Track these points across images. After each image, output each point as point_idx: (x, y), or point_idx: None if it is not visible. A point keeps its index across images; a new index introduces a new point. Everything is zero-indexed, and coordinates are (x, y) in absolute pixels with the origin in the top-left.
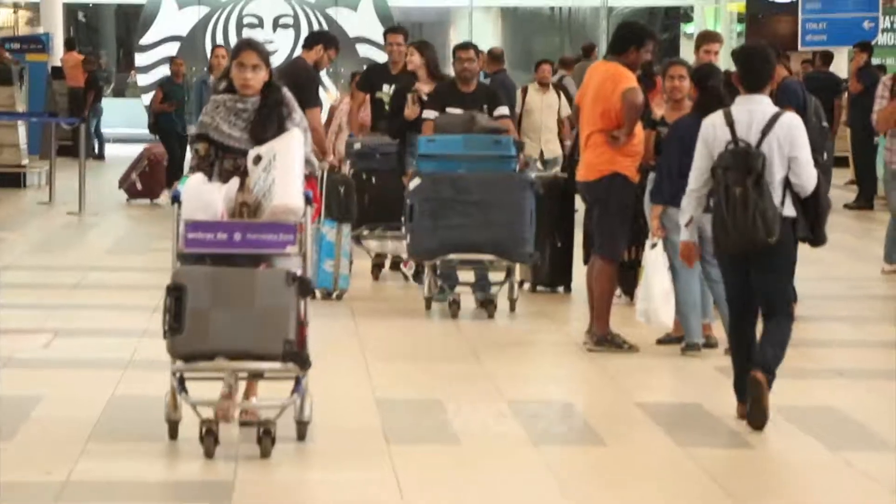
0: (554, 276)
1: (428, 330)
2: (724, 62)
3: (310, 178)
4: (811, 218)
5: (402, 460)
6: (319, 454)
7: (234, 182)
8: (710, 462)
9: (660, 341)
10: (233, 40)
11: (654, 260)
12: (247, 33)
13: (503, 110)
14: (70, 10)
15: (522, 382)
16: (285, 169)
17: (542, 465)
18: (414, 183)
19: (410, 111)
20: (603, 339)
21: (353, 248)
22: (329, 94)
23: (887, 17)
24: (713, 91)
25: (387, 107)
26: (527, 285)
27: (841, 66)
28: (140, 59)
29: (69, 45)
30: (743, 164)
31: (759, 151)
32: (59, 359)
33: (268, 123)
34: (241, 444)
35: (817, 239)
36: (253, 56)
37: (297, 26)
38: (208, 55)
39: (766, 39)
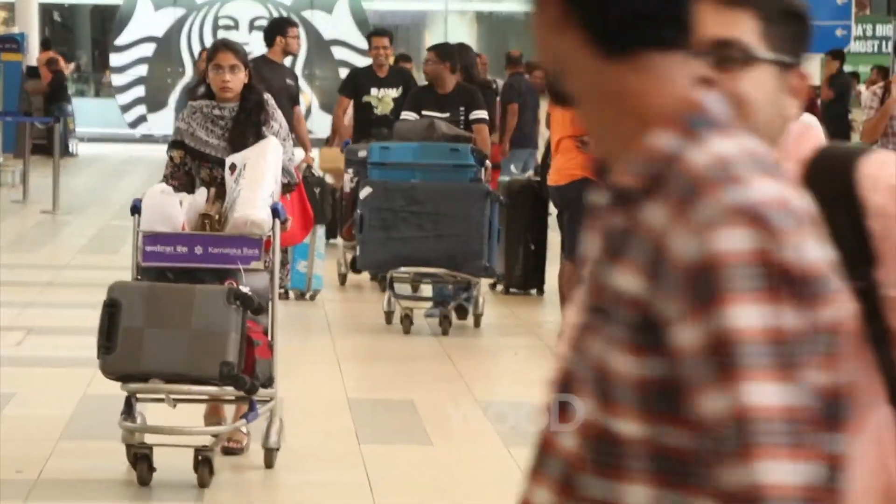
0: (527, 279)
1: (401, 331)
2: None
3: (290, 190)
4: None
5: (374, 461)
6: (292, 454)
7: (202, 193)
8: None
9: None
10: (208, 42)
11: None
12: (222, 35)
13: (479, 114)
14: (45, 10)
15: (495, 383)
16: (253, 179)
17: (514, 466)
18: (365, 192)
19: None
20: None
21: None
22: (304, 95)
23: (860, 25)
24: None
25: (376, 111)
26: (500, 287)
27: (813, 73)
28: (115, 60)
29: (45, 45)
30: None
31: None
32: (32, 357)
33: (247, 130)
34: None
35: None
36: (230, 56)
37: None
38: (184, 56)
39: None
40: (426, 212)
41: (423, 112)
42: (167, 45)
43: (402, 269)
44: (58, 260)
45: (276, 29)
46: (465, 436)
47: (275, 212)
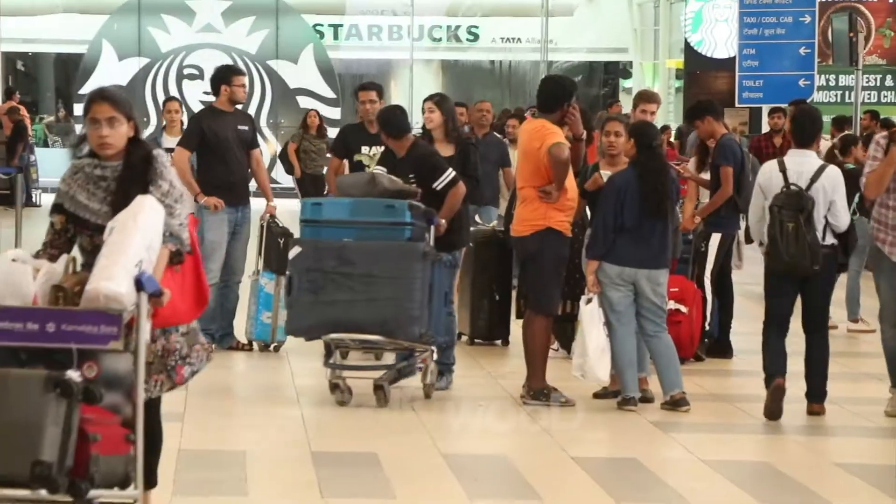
0: (492, 329)
1: (365, 381)
2: (661, 120)
3: (178, 260)
4: (842, 249)
5: None
6: None
7: (62, 261)
8: None
9: (597, 395)
10: (173, 92)
11: (590, 315)
12: (187, 85)
13: (446, 178)
14: (8, 59)
15: (458, 435)
16: (115, 245)
17: None
18: (294, 252)
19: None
20: (539, 392)
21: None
22: (269, 144)
23: (823, 76)
24: (656, 152)
25: (368, 168)
26: (465, 338)
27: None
28: (79, 110)
29: (7, 93)
30: (796, 204)
31: (808, 195)
32: None
33: (130, 191)
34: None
35: (845, 266)
36: (106, 108)
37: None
38: (148, 106)
39: (704, 96)
40: (358, 273)
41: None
42: (131, 94)
43: (333, 335)
44: None
45: (221, 78)
46: (429, 489)
47: (138, 283)
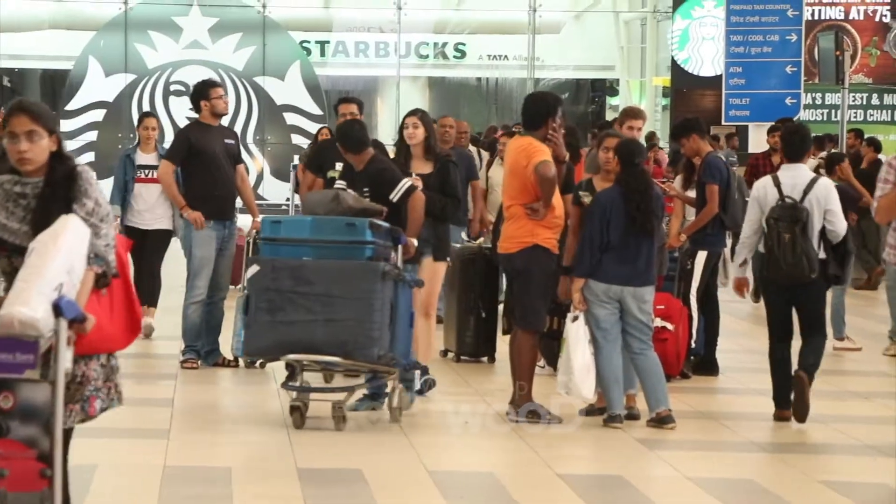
0: (478, 346)
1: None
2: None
3: (104, 283)
4: (839, 259)
5: None
6: None
7: None
8: None
9: (583, 412)
10: (160, 108)
11: (576, 333)
12: (173, 101)
13: (406, 185)
14: None
15: (444, 452)
16: (32, 268)
17: None
18: (252, 270)
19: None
20: (526, 409)
21: None
22: (255, 160)
23: (809, 94)
24: (639, 170)
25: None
26: (451, 355)
27: (763, 140)
28: (66, 125)
29: None
30: (791, 215)
31: (803, 206)
32: None
33: (52, 209)
34: None
35: (843, 278)
36: (25, 121)
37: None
38: (135, 122)
39: (691, 114)
40: (316, 293)
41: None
42: (118, 110)
43: (290, 356)
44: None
45: (198, 94)
46: None
47: (57, 309)
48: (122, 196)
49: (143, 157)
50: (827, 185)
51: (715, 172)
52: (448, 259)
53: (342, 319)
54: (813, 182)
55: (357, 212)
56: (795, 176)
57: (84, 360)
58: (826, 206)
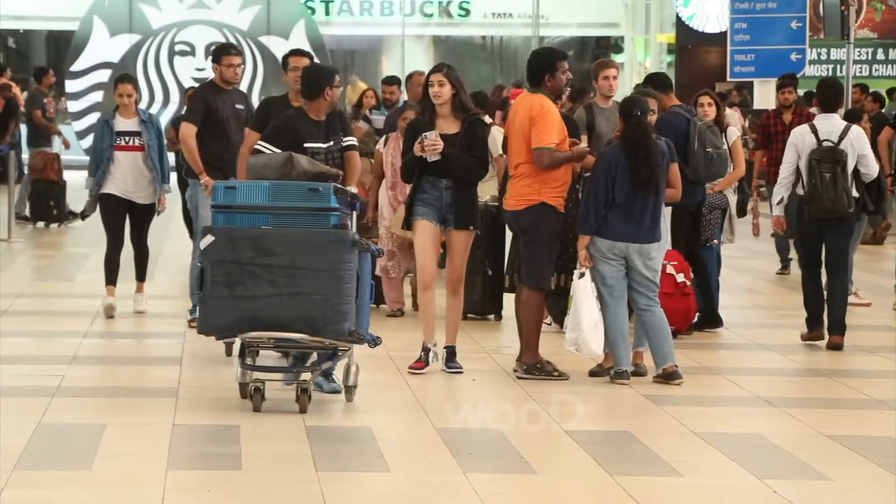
0: (484, 304)
1: (357, 356)
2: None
3: None
4: (874, 196)
5: (332, 489)
6: (250, 481)
7: None
8: (639, 490)
9: (593, 373)
10: (164, 68)
11: (583, 289)
12: (178, 61)
13: (349, 140)
14: (0, 36)
15: (452, 410)
16: None
17: (472, 493)
18: (206, 241)
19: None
20: (533, 367)
21: None
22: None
23: (814, 49)
24: (637, 121)
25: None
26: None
27: (769, 97)
28: (71, 86)
29: None
30: (832, 156)
31: (841, 149)
32: None
33: None
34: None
35: (879, 211)
36: None
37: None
38: (141, 83)
39: (696, 70)
40: (279, 265)
41: (306, 145)
42: (123, 71)
43: (252, 333)
44: (12, 288)
45: (214, 57)
46: (423, 463)
47: None
48: (98, 164)
49: (122, 123)
50: (859, 132)
51: (665, 132)
52: (474, 227)
53: (309, 293)
54: (847, 129)
55: (312, 176)
56: (831, 124)
57: None
58: (860, 150)
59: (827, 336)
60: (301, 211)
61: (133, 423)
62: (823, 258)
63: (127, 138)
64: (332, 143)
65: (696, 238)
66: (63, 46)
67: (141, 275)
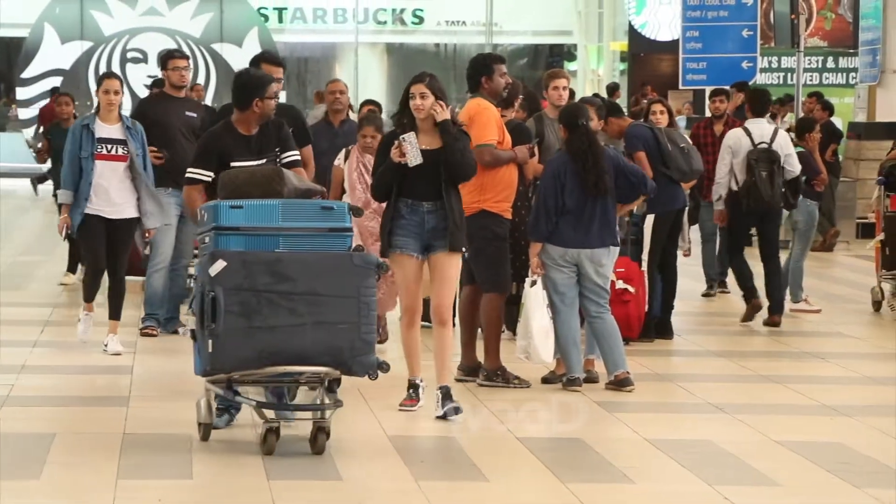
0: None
1: None
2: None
3: None
4: (793, 190)
5: (284, 497)
6: (201, 490)
7: None
8: (591, 497)
9: (545, 380)
10: None
11: (534, 297)
12: (131, 68)
13: (292, 156)
14: None
15: (405, 417)
16: None
17: (424, 501)
18: (217, 267)
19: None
20: (493, 373)
21: None
22: None
23: (765, 58)
24: (583, 130)
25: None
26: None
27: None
28: (21, 93)
29: None
30: (768, 156)
31: (775, 150)
32: None
33: None
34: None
35: (794, 204)
36: None
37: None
38: (91, 90)
39: (648, 78)
40: (299, 291)
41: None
42: (74, 78)
43: (272, 368)
44: None
45: (161, 65)
46: (376, 471)
47: None
48: (77, 178)
49: (104, 129)
50: (785, 135)
51: (635, 142)
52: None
53: (334, 322)
54: (775, 132)
55: (301, 193)
56: (761, 128)
57: None
58: (786, 151)
59: (768, 315)
60: (316, 232)
61: (83, 433)
62: (758, 246)
63: (110, 146)
64: (264, 160)
65: (674, 246)
66: (14, 53)
67: (115, 313)
